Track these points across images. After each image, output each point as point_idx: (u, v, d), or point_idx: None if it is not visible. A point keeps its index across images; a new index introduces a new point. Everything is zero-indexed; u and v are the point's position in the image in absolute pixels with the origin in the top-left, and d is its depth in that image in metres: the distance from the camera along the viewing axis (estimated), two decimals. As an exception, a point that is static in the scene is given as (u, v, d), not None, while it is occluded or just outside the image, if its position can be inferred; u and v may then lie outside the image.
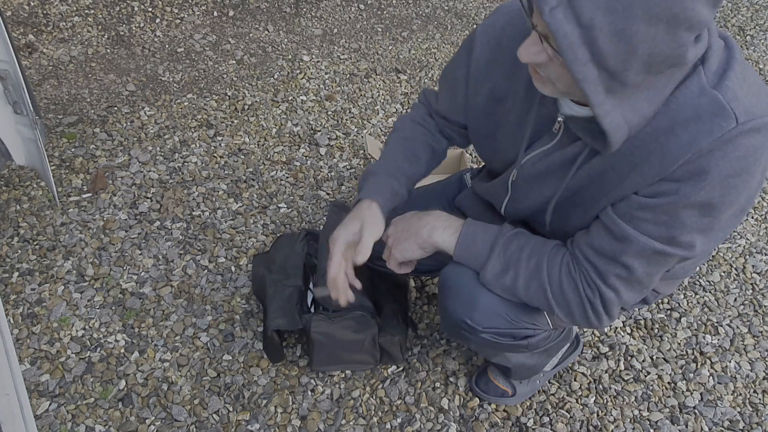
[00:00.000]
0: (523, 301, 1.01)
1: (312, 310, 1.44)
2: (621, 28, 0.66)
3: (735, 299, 1.72)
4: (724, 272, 1.79)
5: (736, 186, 0.80)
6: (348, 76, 2.44)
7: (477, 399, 1.43)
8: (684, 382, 1.51)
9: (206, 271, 1.66)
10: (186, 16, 2.69)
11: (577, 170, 0.93)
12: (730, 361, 1.56)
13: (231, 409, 1.38)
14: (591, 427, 1.40)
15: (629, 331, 1.61)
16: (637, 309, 1.61)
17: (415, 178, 1.18)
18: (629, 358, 1.55)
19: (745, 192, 0.82)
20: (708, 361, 1.56)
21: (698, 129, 0.77)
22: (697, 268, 1.62)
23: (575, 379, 1.49)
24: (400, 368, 1.48)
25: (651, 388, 1.49)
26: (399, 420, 1.38)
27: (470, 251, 1.03)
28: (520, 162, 1.02)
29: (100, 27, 2.56)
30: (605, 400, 1.45)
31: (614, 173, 0.88)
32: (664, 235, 0.86)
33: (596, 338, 1.58)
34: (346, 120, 2.21)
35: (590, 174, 0.92)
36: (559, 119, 0.92)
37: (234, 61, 2.47)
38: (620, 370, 1.52)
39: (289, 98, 2.29)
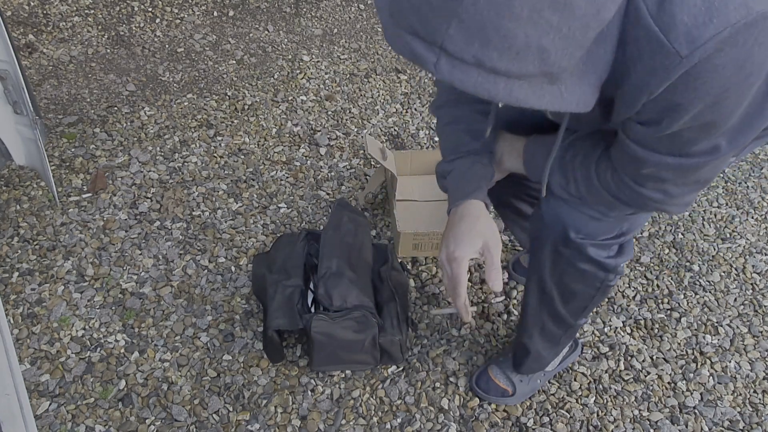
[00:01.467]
0: (595, 205, 1.00)
1: (312, 310, 1.44)
2: (508, 45, 0.59)
3: (735, 299, 1.72)
4: (724, 272, 1.79)
5: (727, 98, 0.71)
6: (348, 76, 2.44)
7: (477, 399, 1.43)
8: (684, 382, 1.51)
9: (206, 271, 1.66)
10: (186, 16, 2.69)
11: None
12: (730, 361, 1.56)
13: (231, 409, 1.38)
14: (591, 427, 1.40)
15: (629, 331, 1.61)
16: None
17: (487, 149, 1.10)
18: (629, 358, 1.54)
19: (749, 89, 0.71)
20: (708, 361, 1.56)
21: (644, 70, 0.70)
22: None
23: (575, 379, 1.49)
24: (400, 368, 1.48)
25: (651, 388, 1.49)
26: (399, 420, 1.38)
27: (536, 170, 1.03)
28: None
29: (100, 27, 2.56)
30: (605, 400, 1.45)
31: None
32: (675, 152, 0.81)
33: (596, 338, 1.58)
34: (346, 120, 2.21)
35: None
36: None
37: (234, 61, 2.47)
38: (620, 370, 1.52)
39: (289, 98, 2.29)
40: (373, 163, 2.03)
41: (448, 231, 1.05)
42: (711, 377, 1.52)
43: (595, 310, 1.65)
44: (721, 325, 1.65)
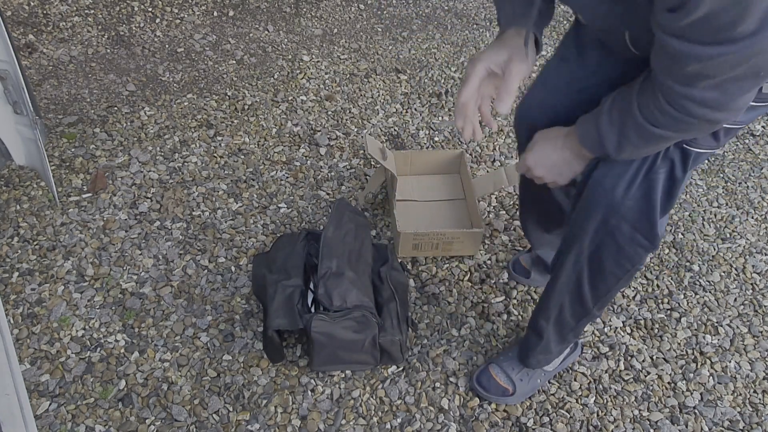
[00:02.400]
0: (661, 146, 0.97)
1: (312, 310, 1.44)
2: None
3: (735, 299, 1.72)
4: (724, 272, 1.79)
5: None
6: (348, 76, 2.44)
7: (477, 399, 1.43)
8: (684, 382, 1.51)
9: (206, 271, 1.66)
10: (186, 16, 2.69)
11: None
12: (730, 361, 1.56)
13: (231, 409, 1.38)
14: (591, 427, 1.40)
15: (629, 331, 1.61)
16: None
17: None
18: (629, 358, 1.55)
19: None
20: (708, 361, 1.56)
21: None
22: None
23: (575, 379, 1.49)
24: (400, 368, 1.48)
25: (651, 388, 1.49)
26: (399, 420, 1.38)
27: (593, 145, 1.01)
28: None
29: (100, 27, 2.56)
30: (605, 400, 1.45)
31: None
32: (715, 40, 0.74)
33: (596, 338, 1.58)
34: (346, 120, 2.21)
35: None
36: None
37: (234, 61, 2.47)
38: (620, 370, 1.52)
39: (289, 98, 2.29)
40: (373, 163, 2.03)
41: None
42: (711, 377, 1.52)
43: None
44: (721, 325, 1.65)
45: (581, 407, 1.44)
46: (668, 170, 1.03)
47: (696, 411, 1.45)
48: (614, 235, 1.08)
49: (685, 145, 1.01)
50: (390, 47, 2.64)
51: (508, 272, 1.71)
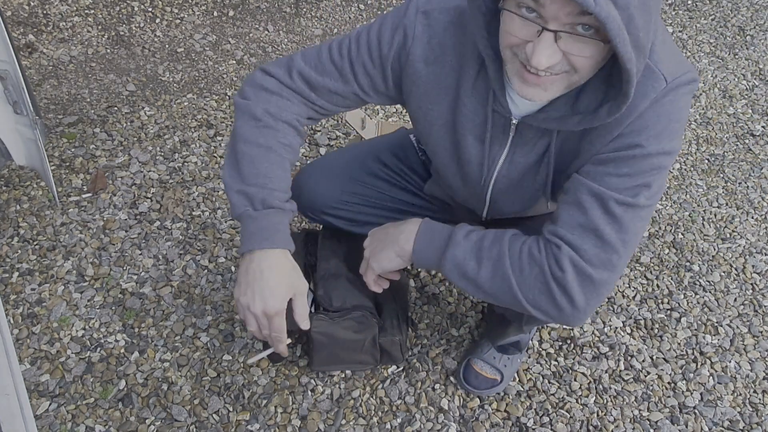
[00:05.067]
0: (487, 292, 0.99)
1: (312, 310, 1.44)
2: (644, 1, 0.71)
3: (735, 299, 1.72)
4: (724, 272, 1.79)
5: (676, 130, 0.89)
6: (348, 76, 2.43)
7: (477, 399, 1.43)
8: (684, 382, 1.51)
9: (206, 271, 1.66)
10: (186, 16, 2.69)
11: (548, 161, 0.98)
12: (730, 361, 1.56)
13: (231, 409, 1.38)
14: (591, 427, 1.40)
15: (629, 331, 1.61)
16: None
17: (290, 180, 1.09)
18: (629, 358, 1.55)
19: (679, 139, 0.91)
20: (708, 361, 1.56)
21: (636, 94, 0.85)
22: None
23: (575, 379, 1.49)
24: (400, 368, 1.48)
25: (651, 388, 1.49)
26: (399, 420, 1.38)
27: (431, 243, 1.02)
28: (491, 177, 1.05)
29: (100, 27, 2.56)
30: (605, 400, 1.45)
31: (570, 144, 0.94)
32: (628, 186, 0.89)
33: (596, 338, 1.58)
34: (346, 120, 2.21)
35: (554, 156, 0.97)
36: (513, 122, 0.95)
37: (234, 61, 2.47)
38: (620, 370, 1.52)
39: (289, 98, 2.29)
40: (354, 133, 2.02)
41: (253, 280, 1.01)
42: (711, 377, 1.52)
43: (595, 310, 1.65)
44: (721, 325, 1.65)
45: (581, 407, 1.44)
46: None
47: (696, 411, 1.45)
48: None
49: None
50: None
51: None
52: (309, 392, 1.42)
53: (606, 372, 1.51)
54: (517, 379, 1.48)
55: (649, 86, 0.85)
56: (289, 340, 1.11)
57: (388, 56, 0.99)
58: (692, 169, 2.17)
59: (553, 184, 1.02)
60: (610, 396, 1.46)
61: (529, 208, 1.09)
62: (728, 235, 1.91)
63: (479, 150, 1.02)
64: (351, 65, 1.01)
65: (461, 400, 1.43)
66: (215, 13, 2.73)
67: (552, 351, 1.54)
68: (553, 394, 1.46)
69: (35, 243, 1.69)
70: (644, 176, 0.89)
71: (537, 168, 1.01)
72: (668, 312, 1.67)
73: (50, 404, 1.36)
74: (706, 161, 2.21)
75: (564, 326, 1.56)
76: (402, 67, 1.00)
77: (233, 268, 1.67)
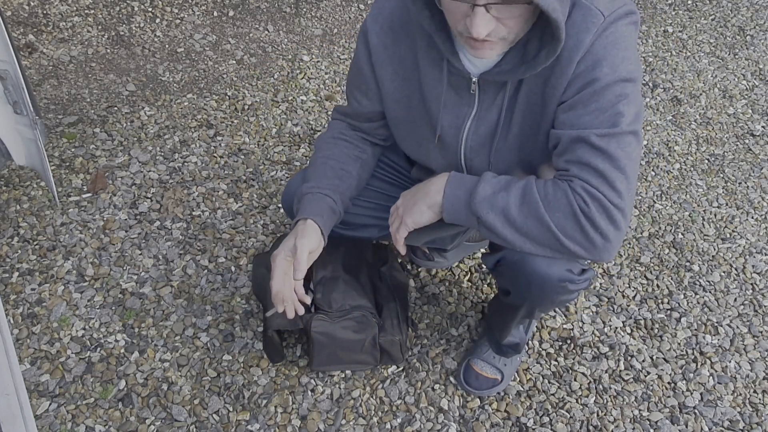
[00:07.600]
0: (518, 227, 1.01)
1: (312, 310, 1.44)
2: None
3: (735, 299, 1.72)
4: (724, 272, 1.79)
5: (627, 58, 0.95)
6: (348, 76, 2.44)
7: (477, 399, 1.43)
8: (684, 382, 1.51)
9: (206, 271, 1.66)
10: (186, 16, 2.69)
11: (512, 115, 1.05)
12: (730, 361, 1.56)
13: (231, 409, 1.38)
14: (591, 427, 1.40)
15: (629, 331, 1.61)
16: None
17: (348, 193, 1.22)
18: (629, 358, 1.55)
19: (634, 65, 0.96)
20: (708, 361, 1.56)
21: (577, 31, 0.94)
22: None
23: (575, 379, 1.49)
24: (400, 368, 1.48)
25: (651, 388, 1.49)
26: (399, 420, 1.38)
27: (461, 186, 1.05)
28: (462, 137, 1.11)
29: (100, 27, 2.56)
30: (605, 400, 1.45)
31: (535, 97, 1.01)
32: (601, 119, 0.95)
33: (596, 338, 1.58)
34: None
35: (521, 110, 1.04)
36: (473, 79, 1.03)
37: (234, 61, 2.47)
38: (620, 370, 1.52)
39: (289, 98, 2.29)
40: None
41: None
42: (711, 377, 1.52)
43: (595, 310, 1.65)
44: (721, 325, 1.65)
45: (581, 407, 1.44)
46: None
47: (696, 411, 1.45)
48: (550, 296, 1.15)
49: None
50: None
51: (410, 258, 1.71)
52: (309, 392, 1.42)
53: (606, 372, 1.51)
54: (517, 379, 1.48)
55: (589, 22, 0.94)
56: (300, 308, 1.16)
57: (365, 66, 1.17)
58: (692, 169, 2.17)
59: (528, 143, 1.07)
60: (610, 396, 1.46)
61: (504, 173, 1.11)
62: (728, 235, 1.91)
63: (451, 112, 1.10)
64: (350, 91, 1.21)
65: (461, 400, 1.43)
66: (215, 13, 2.73)
67: (552, 351, 1.54)
68: (553, 394, 1.46)
69: (35, 243, 1.69)
70: (614, 106, 0.95)
71: (507, 124, 1.07)
72: (668, 312, 1.67)
73: (50, 404, 1.36)
74: (706, 161, 2.21)
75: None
76: (373, 65, 1.15)
77: (233, 268, 1.67)
